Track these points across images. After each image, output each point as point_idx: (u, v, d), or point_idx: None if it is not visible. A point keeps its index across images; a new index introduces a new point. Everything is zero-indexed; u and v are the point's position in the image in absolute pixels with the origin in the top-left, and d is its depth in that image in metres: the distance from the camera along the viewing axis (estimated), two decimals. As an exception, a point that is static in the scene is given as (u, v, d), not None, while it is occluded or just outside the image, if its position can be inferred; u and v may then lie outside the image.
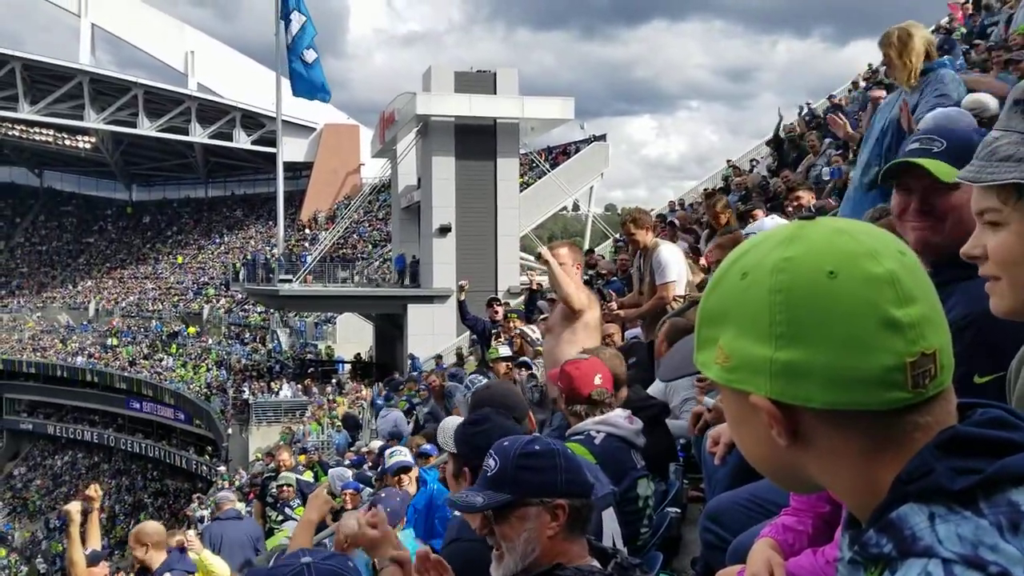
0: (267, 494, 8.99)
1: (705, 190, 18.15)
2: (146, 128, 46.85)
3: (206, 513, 16.12)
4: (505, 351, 7.26)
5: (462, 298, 9.16)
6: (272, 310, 35.91)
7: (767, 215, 6.81)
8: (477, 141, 28.35)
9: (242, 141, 47.14)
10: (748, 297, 0.77)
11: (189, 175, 55.35)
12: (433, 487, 4.66)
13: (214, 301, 42.54)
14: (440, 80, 28.87)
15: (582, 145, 35.58)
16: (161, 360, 38.61)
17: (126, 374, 38.42)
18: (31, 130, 50.13)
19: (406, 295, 28.66)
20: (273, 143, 37.52)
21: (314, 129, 45.63)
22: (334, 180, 45.05)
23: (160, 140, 48.62)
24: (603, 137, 35.96)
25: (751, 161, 20.40)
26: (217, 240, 49.76)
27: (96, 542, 5.42)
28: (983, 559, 0.66)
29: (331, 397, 27.30)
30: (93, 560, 5.05)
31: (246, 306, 39.65)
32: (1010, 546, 0.67)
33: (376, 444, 11.10)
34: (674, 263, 5.47)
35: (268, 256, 33.39)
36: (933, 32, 14.31)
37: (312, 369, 31.62)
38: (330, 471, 10.55)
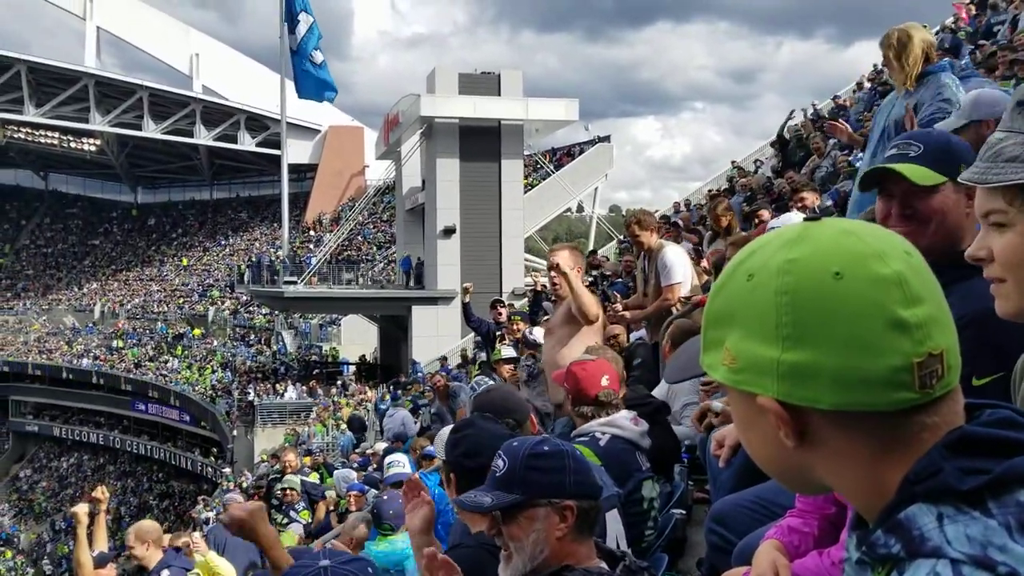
0: (272, 496, 9.01)
1: (709, 191, 18.12)
2: (151, 130, 46.91)
3: (211, 515, 16.13)
4: (509, 352, 7.27)
5: (466, 300, 9.17)
6: (277, 312, 35.96)
7: (773, 216, 6.80)
8: (481, 143, 28.35)
9: (247, 143, 47.21)
10: (754, 298, 0.77)
11: (194, 177, 55.41)
12: (434, 491, 4.66)
13: (219, 303, 42.62)
14: (444, 82, 28.87)
15: (586, 146, 35.53)
16: (166, 362, 38.65)
17: (132, 376, 38.44)
18: (36, 132, 50.20)
19: (410, 297, 28.65)
20: (277, 145, 37.53)
21: (318, 131, 45.65)
22: (338, 182, 45.08)
23: (165, 142, 48.75)
24: (607, 138, 35.93)
25: (755, 162, 20.30)
26: (222, 242, 49.81)
27: (103, 544, 5.41)
28: (992, 559, 0.66)
29: (336, 399, 27.31)
30: (100, 562, 5.05)
31: (251, 308, 39.70)
32: (1019, 546, 0.67)
33: (380, 446, 11.10)
34: (679, 264, 5.46)
35: (273, 258, 33.38)
36: (938, 32, 14.30)
37: (317, 371, 31.66)
38: (335, 473, 10.57)
